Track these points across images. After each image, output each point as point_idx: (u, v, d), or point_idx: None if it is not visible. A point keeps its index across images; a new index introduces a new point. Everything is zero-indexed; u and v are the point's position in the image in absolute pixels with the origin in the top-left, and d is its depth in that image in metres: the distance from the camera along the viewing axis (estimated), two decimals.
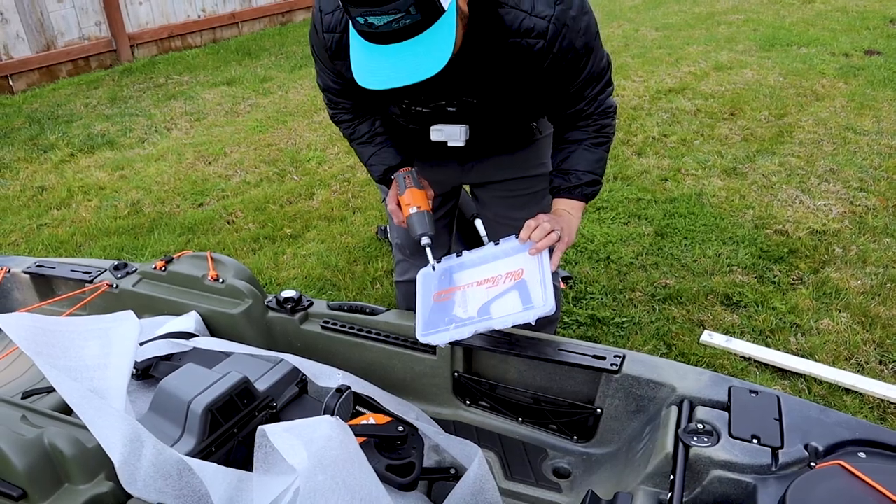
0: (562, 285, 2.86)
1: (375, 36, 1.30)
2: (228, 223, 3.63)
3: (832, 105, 4.80)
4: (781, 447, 1.38)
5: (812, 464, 1.35)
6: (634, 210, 3.47)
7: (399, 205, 1.83)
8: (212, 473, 1.36)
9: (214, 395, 1.52)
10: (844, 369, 2.39)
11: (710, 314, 2.70)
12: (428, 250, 1.80)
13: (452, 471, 1.72)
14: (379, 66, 1.33)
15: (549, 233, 1.64)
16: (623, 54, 6.25)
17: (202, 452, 1.48)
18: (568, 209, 1.75)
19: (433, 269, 1.82)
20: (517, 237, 1.71)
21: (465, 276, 1.80)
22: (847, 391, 2.30)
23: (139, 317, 2.08)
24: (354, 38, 1.37)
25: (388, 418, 1.66)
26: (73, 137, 4.90)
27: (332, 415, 1.50)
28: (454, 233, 2.29)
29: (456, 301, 1.77)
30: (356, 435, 1.48)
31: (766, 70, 5.58)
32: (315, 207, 3.73)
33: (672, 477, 1.38)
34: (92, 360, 1.69)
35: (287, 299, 2.06)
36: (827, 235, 3.20)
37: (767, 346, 2.52)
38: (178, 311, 2.09)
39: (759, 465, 1.35)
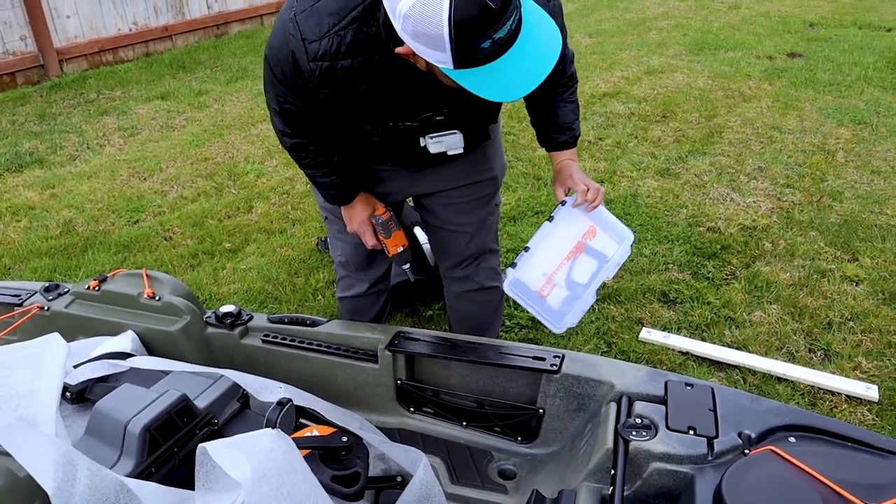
0: None
1: (498, 49, 1.25)
2: (166, 239, 3.55)
3: (758, 106, 4.98)
4: (716, 437, 1.42)
5: (745, 451, 1.40)
6: None
7: (379, 240, 1.96)
8: (151, 493, 1.33)
9: (152, 414, 1.48)
10: (776, 359, 2.48)
11: (647, 311, 2.76)
12: (410, 273, 2.14)
13: (399, 479, 1.72)
14: (513, 74, 1.29)
15: (597, 190, 1.83)
16: None
17: (142, 474, 1.45)
18: (570, 157, 1.92)
19: (509, 274, 1.85)
20: (564, 205, 1.85)
21: (549, 260, 1.86)
22: (779, 380, 2.38)
23: (73, 338, 2.02)
24: (473, 71, 1.29)
25: (331, 429, 1.65)
26: None
27: (274, 428, 1.48)
28: None
29: (561, 284, 1.86)
30: (300, 447, 1.47)
31: (695, 73, 5.76)
32: (254, 221, 3.68)
33: (613, 471, 1.41)
34: (19, 388, 1.63)
35: (226, 314, 2.03)
36: (757, 231, 3.31)
37: (703, 340, 2.59)
38: (113, 331, 2.04)
39: (696, 455, 1.39)
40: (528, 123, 4.82)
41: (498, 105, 1.83)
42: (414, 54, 1.33)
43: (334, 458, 1.59)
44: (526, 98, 1.85)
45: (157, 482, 1.41)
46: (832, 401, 2.29)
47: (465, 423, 1.89)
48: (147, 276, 2.10)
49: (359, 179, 1.91)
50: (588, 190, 1.82)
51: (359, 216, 1.93)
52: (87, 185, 4.19)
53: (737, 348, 2.54)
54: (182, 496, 1.38)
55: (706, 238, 3.26)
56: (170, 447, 1.51)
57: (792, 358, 2.50)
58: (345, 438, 1.61)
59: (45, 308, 2.12)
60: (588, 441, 1.61)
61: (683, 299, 2.83)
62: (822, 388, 2.34)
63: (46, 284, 2.21)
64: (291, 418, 1.63)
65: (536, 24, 1.31)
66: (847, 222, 3.35)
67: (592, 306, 2.79)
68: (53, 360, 1.73)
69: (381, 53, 1.47)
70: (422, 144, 1.77)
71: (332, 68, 1.51)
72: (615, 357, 2.49)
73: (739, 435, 1.42)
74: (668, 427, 1.46)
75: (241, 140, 4.81)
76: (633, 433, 1.46)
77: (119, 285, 2.10)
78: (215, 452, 1.36)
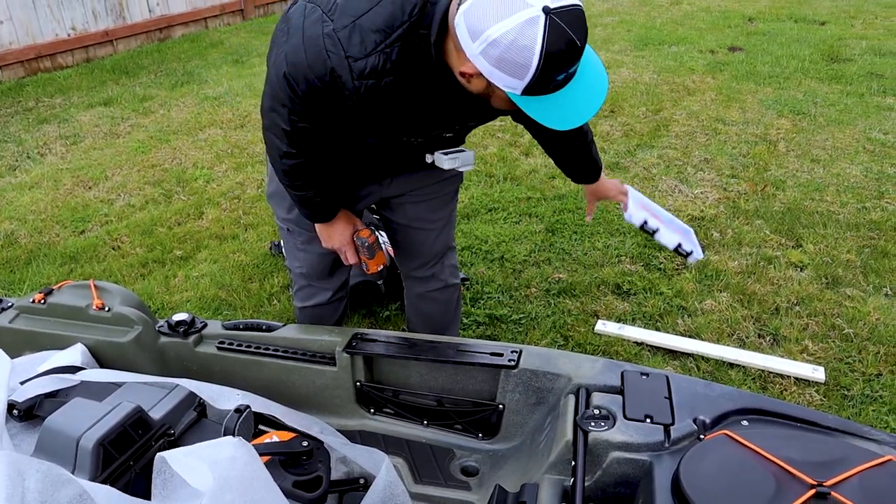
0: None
1: (565, 80, 1.33)
2: (114, 249, 3.47)
3: (703, 99, 5.09)
4: (672, 423, 1.45)
5: (701, 436, 1.43)
6: (525, 209, 3.57)
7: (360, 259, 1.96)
8: (106, 497, 1.31)
9: (105, 428, 1.45)
10: (728, 345, 2.54)
11: (602, 304, 2.81)
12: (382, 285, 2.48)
13: (362, 481, 1.72)
14: (573, 104, 1.37)
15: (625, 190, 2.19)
16: None
17: None
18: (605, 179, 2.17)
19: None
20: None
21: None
22: (731, 365, 2.44)
23: (18, 354, 1.96)
24: (539, 98, 1.35)
25: (291, 434, 1.64)
26: None
27: (234, 435, 1.47)
28: None
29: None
30: (260, 454, 1.45)
31: (641, 68, 5.86)
32: (205, 227, 3.62)
33: (573, 463, 1.43)
34: None
35: (179, 322, 2.00)
36: (705, 221, 3.39)
37: (657, 329, 2.64)
38: (62, 344, 1.99)
39: (654, 443, 1.42)
40: None
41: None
42: (478, 76, 1.35)
43: (295, 464, 1.57)
44: (555, 138, 1.99)
45: None
46: (782, 384, 2.36)
47: (425, 422, 1.90)
48: (95, 286, 2.05)
49: (340, 196, 1.89)
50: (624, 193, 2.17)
51: (339, 234, 1.89)
52: (29, 195, 4.07)
53: (690, 336, 2.60)
54: None
55: None
56: (125, 460, 1.48)
57: (742, 344, 2.57)
58: (305, 443, 1.60)
59: None
60: (548, 434, 1.63)
61: (637, 290, 2.88)
62: (771, 372, 2.40)
63: None
64: (250, 425, 1.62)
65: (588, 57, 1.38)
66: (790, 210, 3.45)
67: (548, 300, 2.83)
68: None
69: (421, 69, 1.46)
70: (428, 161, 1.78)
71: (377, 85, 1.46)
72: (572, 350, 2.53)
73: (695, 421, 1.45)
74: (625, 416, 1.48)
75: (188, 145, 4.72)
76: (592, 424, 1.48)
77: (66, 297, 2.05)
78: (175, 461, 1.33)
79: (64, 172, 4.38)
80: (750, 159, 4.06)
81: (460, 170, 1.81)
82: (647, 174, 3.93)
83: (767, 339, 2.60)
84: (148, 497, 1.36)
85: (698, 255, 2.36)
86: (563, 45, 1.25)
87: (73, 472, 1.42)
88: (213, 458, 1.36)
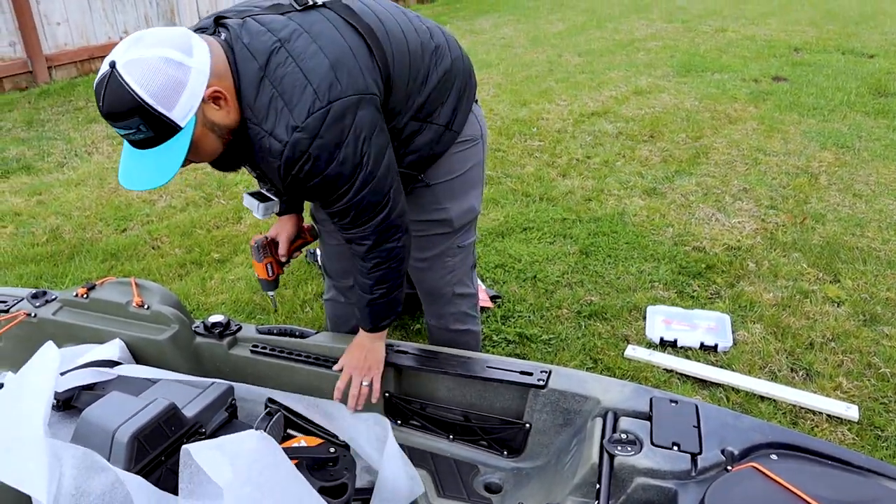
0: (490, 304, 2.92)
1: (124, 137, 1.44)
2: (154, 248, 3.55)
3: (744, 128, 5.05)
4: (700, 453, 1.44)
5: (728, 467, 1.42)
6: (560, 230, 3.57)
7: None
8: (137, 486, 1.34)
9: (140, 423, 1.49)
10: (759, 378, 2.51)
11: (633, 329, 2.79)
12: (273, 302, 2.30)
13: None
14: (126, 167, 1.47)
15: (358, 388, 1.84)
16: (547, 79, 6.43)
17: None
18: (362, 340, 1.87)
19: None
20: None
21: None
22: (762, 398, 2.41)
23: (60, 346, 2.01)
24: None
25: (319, 440, 1.66)
26: None
27: None
28: None
29: None
30: (288, 458, 1.48)
31: (682, 94, 5.84)
32: (243, 231, 3.68)
33: (598, 486, 1.43)
34: (10, 399, 1.63)
35: (215, 324, 2.04)
36: (741, 251, 3.36)
37: (688, 358, 2.62)
38: (101, 339, 2.04)
39: (680, 471, 1.41)
40: (516, 140, 4.88)
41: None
42: None
43: (321, 469, 1.59)
44: None
45: None
46: (813, 420, 2.32)
47: (451, 437, 1.91)
48: (136, 284, 2.10)
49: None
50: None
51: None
52: (75, 192, 4.18)
53: (720, 367, 2.57)
54: (168, 499, 1.38)
55: (692, 257, 3.30)
56: (157, 455, 1.51)
57: (774, 377, 2.53)
58: (332, 450, 1.62)
59: (33, 315, 2.12)
60: (574, 456, 1.63)
61: None
62: (803, 408, 2.37)
63: (34, 291, 2.21)
64: (280, 428, 1.64)
65: (163, 159, 1.42)
66: (829, 244, 3.40)
67: (578, 322, 2.82)
68: (46, 366, 1.73)
69: None
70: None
71: None
72: (601, 373, 2.52)
73: (723, 451, 1.45)
74: (652, 443, 1.48)
75: None
76: (619, 448, 1.48)
77: (108, 293, 2.10)
78: (198, 453, 1.36)
79: (109, 171, 4.49)
80: (790, 191, 4.02)
81: (256, 214, 1.95)
82: (685, 201, 3.91)
83: (800, 373, 2.56)
84: (176, 492, 1.39)
85: (725, 345, 2.63)
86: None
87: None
88: (236, 450, 1.39)
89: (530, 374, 1.78)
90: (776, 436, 1.50)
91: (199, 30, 1.54)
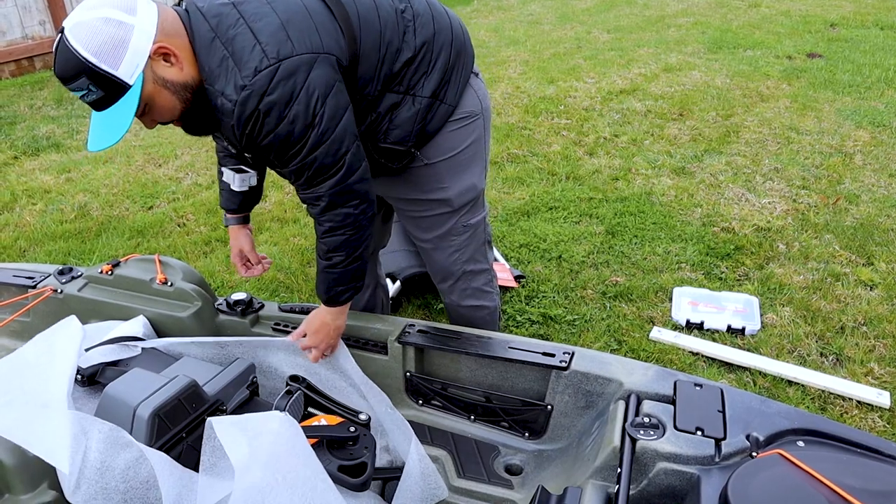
0: (515, 284, 2.89)
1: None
2: (179, 226, 3.57)
3: (776, 106, 4.94)
4: (724, 438, 1.41)
5: (753, 453, 1.39)
6: (586, 209, 3.52)
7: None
8: (159, 462, 1.36)
9: (161, 399, 1.50)
10: (787, 362, 2.46)
11: (659, 310, 2.75)
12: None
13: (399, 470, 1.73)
14: (91, 129, 1.52)
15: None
16: (575, 56, 6.33)
17: None
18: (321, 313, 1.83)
19: None
20: None
21: None
22: (790, 383, 2.36)
23: (85, 322, 2.04)
24: None
25: (339, 419, 1.66)
26: (16, 140, 4.77)
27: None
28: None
29: None
30: (307, 436, 1.48)
31: (713, 72, 5.71)
32: (267, 209, 3.69)
33: (619, 470, 1.41)
34: (31, 369, 1.65)
35: (237, 302, 2.04)
36: (771, 232, 3.29)
37: (714, 340, 2.58)
38: (125, 315, 2.06)
39: (703, 456, 1.38)
40: (543, 118, 4.82)
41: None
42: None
43: (341, 448, 1.59)
44: None
45: None
46: (843, 406, 2.27)
47: (472, 418, 1.90)
48: (160, 261, 2.11)
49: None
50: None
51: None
52: (103, 170, 4.22)
53: (748, 350, 2.53)
54: (190, 475, 1.40)
55: (720, 238, 3.24)
56: (178, 432, 1.52)
57: (803, 361, 2.48)
58: (352, 429, 1.62)
59: (59, 291, 2.14)
60: (595, 439, 1.61)
61: None
62: (832, 393, 2.32)
63: (60, 267, 2.23)
64: (300, 407, 1.64)
65: (115, 118, 1.47)
66: (863, 226, 3.32)
67: (603, 303, 2.79)
68: (70, 342, 1.74)
69: None
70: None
71: None
72: (625, 355, 2.49)
73: (748, 437, 1.42)
74: (675, 427, 1.45)
75: None
76: (641, 432, 1.45)
77: (132, 270, 2.12)
78: (220, 429, 1.37)
79: (136, 150, 4.52)
80: (823, 171, 3.92)
81: (233, 186, 1.92)
82: (714, 181, 3.83)
83: (830, 358, 2.50)
84: (197, 468, 1.40)
85: (753, 328, 2.60)
86: None
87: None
88: (257, 430, 1.39)
89: (553, 355, 1.76)
90: (804, 422, 1.47)
91: None
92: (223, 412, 1.63)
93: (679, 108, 4.93)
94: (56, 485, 1.43)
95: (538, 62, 6.19)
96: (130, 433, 1.45)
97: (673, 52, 6.33)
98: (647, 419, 1.49)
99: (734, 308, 2.69)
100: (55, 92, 5.66)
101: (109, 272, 2.13)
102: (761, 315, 2.69)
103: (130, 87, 1.43)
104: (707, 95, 5.16)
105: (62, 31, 1.39)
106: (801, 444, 1.41)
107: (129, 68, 1.41)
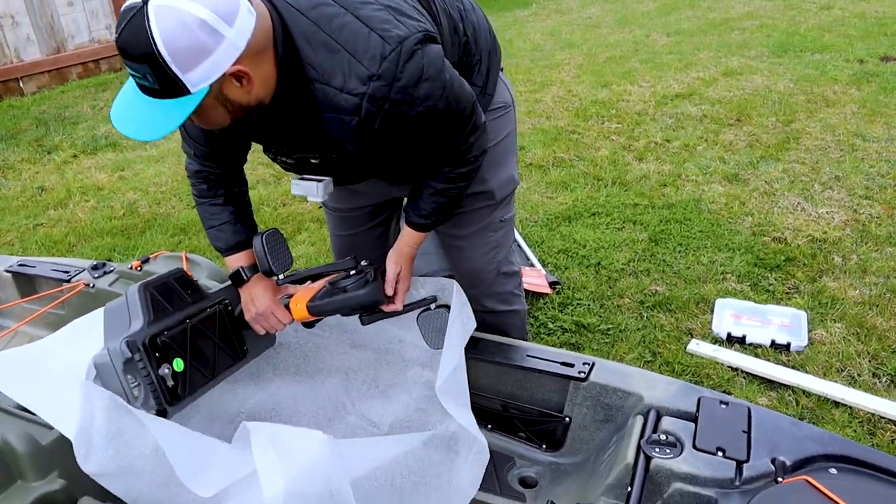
0: (549, 291, 2.82)
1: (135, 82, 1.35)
2: None
3: (842, 111, 4.70)
4: (747, 460, 1.33)
5: (778, 479, 1.30)
6: (630, 215, 3.41)
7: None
8: (166, 432, 1.35)
9: (148, 279, 1.59)
10: (835, 381, 2.31)
11: (698, 322, 2.63)
12: None
13: (433, 305, 1.79)
14: (125, 104, 1.39)
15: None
16: (631, 59, 6.19)
17: (156, 335, 1.48)
18: (407, 241, 1.76)
19: None
20: None
21: None
22: (836, 404, 2.22)
23: None
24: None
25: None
26: (77, 139, 4.93)
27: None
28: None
29: None
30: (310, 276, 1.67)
31: (776, 76, 5.49)
32: (308, 210, 3.71)
33: (629, 488, 1.34)
34: (60, 353, 1.68)
35: None
36: (827, 244, 3.12)
37: (756, 356, 2.45)
38: None
39: (722, 479, 1.30)
40: (593, 122, 4.72)
41: (378, 162, 1.68)
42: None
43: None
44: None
45: (177, 345, 1.51)
46: (894, 431, 2.12)
47: (489, 426, 1.84)
48: (186, 258, 2.13)
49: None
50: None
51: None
52: (154, 168, 4.32)
53: (792, 367, 2.39)
54: (203, 442, 1.39)
55: (771, 249, 3.08)
56: (181, 319, 1.56)
57: (853, 382, 2.33)
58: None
59: (91, 285, 2.18)
60: (611, 454, 1.53)
61: None
62: (883, 417, 2.16)
63: (94, 263, 2.28)
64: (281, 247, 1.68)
65: (162, 116, 1.33)
66: None
67: (640, 313, 2.68)
68: (95, 332, 1.77)
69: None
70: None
71: None
72: (659, 368, 2.38)
73: (773, 461, 1.32)
74: (694, 446, 1.37)
75: None
76: (657, 450, 1.37)
77: (160, 266, 2.16)
78: (257, 440, 1.33)
79: None
80: (889, 180, 3.70)
81: (310, 199, 1.74)
82: (768, 189, 3.67)
83: (884, 379, 2.34)
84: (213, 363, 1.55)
85: (799, 344, 2.47)
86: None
87: (130, 321, 1.50)
88: (295, 446, 1.34)
89: (572, 365, 1.69)
90: (837, 447, 1.36)
91: None
92: (230, 313, 1.71)
93: (737, 113, 4.75)
94: (66, 473, 1.45)
95: (592, 66, 6.07)
96: (129, 314, 1.50)
97: (734, 55, 6.12)
98: (664, 436, 1.41)
99: (780, 322, 2.55)
100: (117, 93, 5.85)
101: (139, 268, 2.17)
102: (809, 330, 2.54)
103: (190, 94, 1.29)
104: (768, 100, 4.96)
105: (146, 3, 1.22)
106: (833, 471, 1.31)
107: (199, 78, 1.27)
